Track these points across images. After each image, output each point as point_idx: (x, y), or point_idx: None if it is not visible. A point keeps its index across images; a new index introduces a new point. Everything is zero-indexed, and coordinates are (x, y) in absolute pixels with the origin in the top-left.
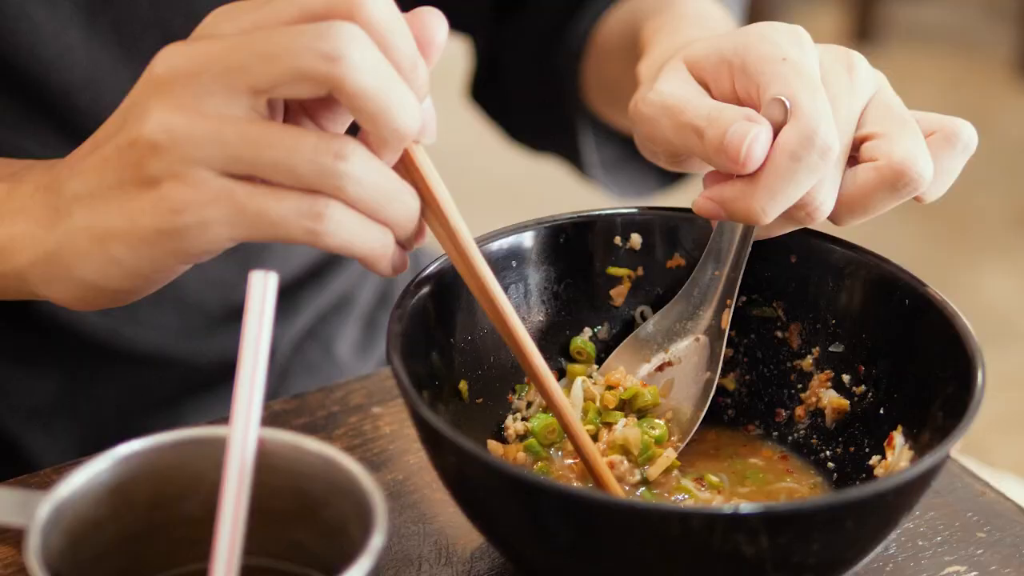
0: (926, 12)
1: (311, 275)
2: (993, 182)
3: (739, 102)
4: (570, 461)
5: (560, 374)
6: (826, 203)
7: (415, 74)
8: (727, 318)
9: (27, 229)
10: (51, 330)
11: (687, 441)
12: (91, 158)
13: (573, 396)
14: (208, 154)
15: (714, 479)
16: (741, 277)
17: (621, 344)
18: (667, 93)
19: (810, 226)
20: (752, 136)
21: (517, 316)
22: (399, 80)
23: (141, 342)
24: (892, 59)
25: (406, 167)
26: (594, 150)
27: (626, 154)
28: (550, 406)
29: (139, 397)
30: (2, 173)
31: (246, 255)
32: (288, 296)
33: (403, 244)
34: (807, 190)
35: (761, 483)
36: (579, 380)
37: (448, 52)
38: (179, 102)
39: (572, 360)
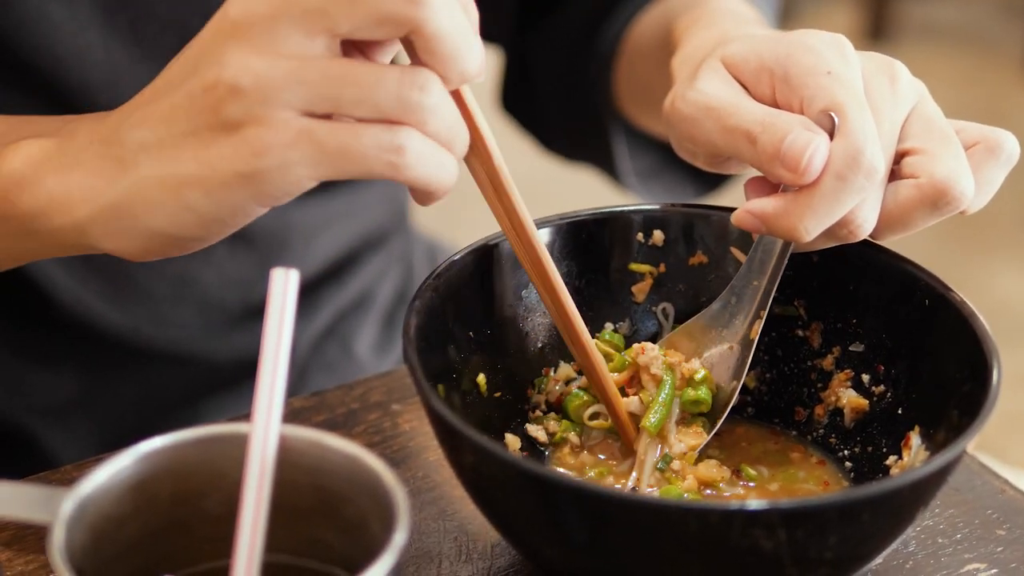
0: (939, 10)
1: (331, 273)
2: (1006, 181)
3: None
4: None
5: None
6: (868, 221)
7: (472, 15)
8: (757, 328)
9: (86, 181)
10: (71, 328)
11: (703, 445)
12: (157, 105)
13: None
14: (290, 95)
15: (752, 471)
16: (775, 289)
17: (656, 346)
18: (710, 94)
19: (851, 242)
20: (813, 147)
21: (550, 256)
22: (468, 24)
23: (161, 340)
24: (905, 57)
25: (459, 108)
26: (628, 158)
27: (662, 162)
28: (580, 357)
29: (158, 395)
30: (45, 129)
31: (266, 254)
32: (308, 295)
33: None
34: (851, 209)
35: (791, 479)
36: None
37: None
38: (257, 45)
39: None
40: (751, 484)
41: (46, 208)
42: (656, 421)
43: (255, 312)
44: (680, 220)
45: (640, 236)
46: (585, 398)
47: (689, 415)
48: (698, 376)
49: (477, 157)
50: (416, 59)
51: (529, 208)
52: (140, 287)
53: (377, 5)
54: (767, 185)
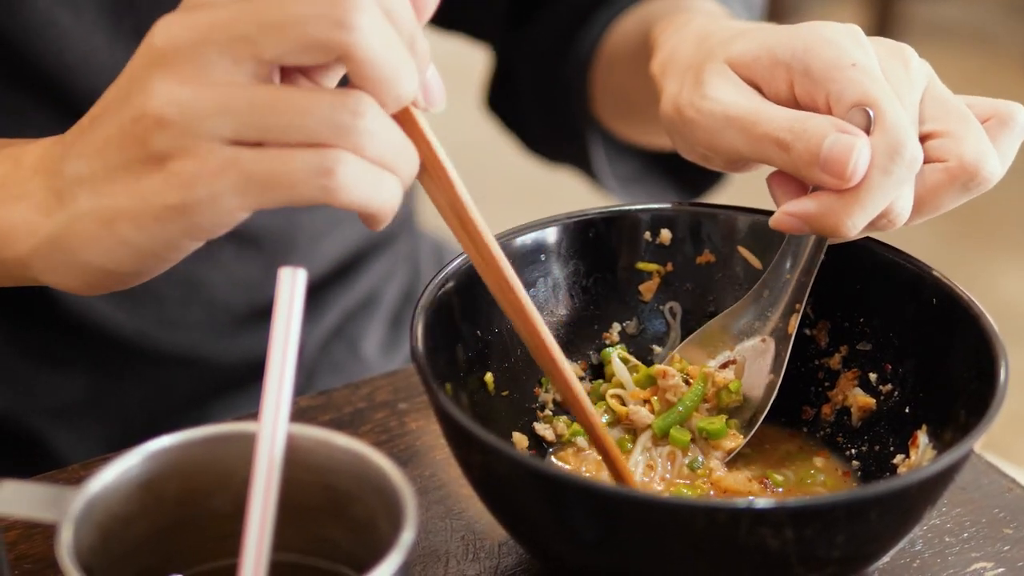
0: (944, 9)
1: (338, 274)
2: (1011, 179)
3: (796, 106)
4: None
5: (595, 371)
6: (906, 209)
7: (415, 42)
8: (795, 323)
9: (27, 215)
10: (79, 330)
11: (748, 439)
12: (91, 137)
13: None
14: (216, 124)
15: (778, 477)
16: (812, 282)
17: (686, 339)
18: (727, 102)
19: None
20: (857, 151)
21: (521, 284)
22: (403, 46)
23: (168, 343)
24: None
25: (409, 131)
26: (606, 163)
27: (643, 168)
28: (557, 384)
29: (166, 396)
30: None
31: (272, 255)
32: (315, 295)
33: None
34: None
35: (804, 476)
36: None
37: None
38: (183, 74)
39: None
40: (779, 490)
41: None
42: (664, 423)
43: (262, 313)
44: (688, 219)
45: (648, 235)
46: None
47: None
48: (732, 386)
49: (432, 179)
50: (352, 82)
51: (536, 208)
52: (148, 289)
53: (303, 31)
54: (795, 185)
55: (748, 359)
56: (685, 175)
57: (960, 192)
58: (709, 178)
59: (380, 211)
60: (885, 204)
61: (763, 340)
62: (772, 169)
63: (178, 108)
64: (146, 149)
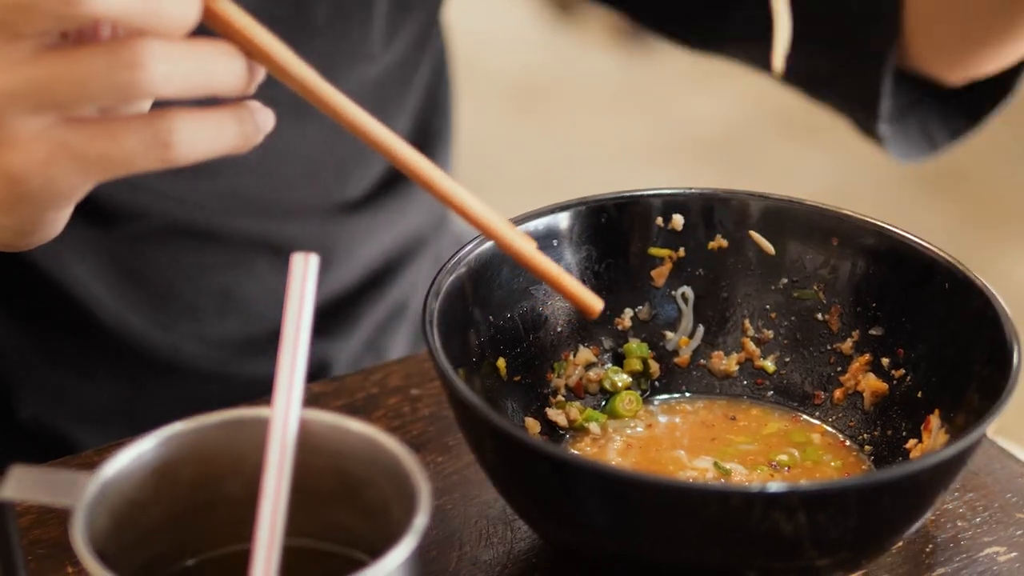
0: None
1: (371, 284)
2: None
3: None
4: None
5: (614, 357)
6: None
7: None
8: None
9: None
10: (111, 344)
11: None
12: None
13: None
14: (12, 110)
15: (783, 458)
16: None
17: None
18: None
19: None
20: None
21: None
22: None
23: (203, 357)
24: None
25: (219, 26)
26: (890, 95)
27: (918, 97)
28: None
29: (195, 408)
30: None
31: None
32: (346, 310)
33: (240, 93)
34: None
35: (817, 461)
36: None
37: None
38: None
39: (623, 341)
40: (786, 469)
41: None
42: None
43: None
44: (699, 204)
45: (659, 220)
46: (625, 396)
47: None
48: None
49: (266, 66)
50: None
51: (547, 194)
52: (184, 302)
53: (43, 7)
54: None
55: None
56: (957, 104)
57: None
58: (983, 104)
59: (237, 149)
60: None
61: None
62: None
63: None
64: None
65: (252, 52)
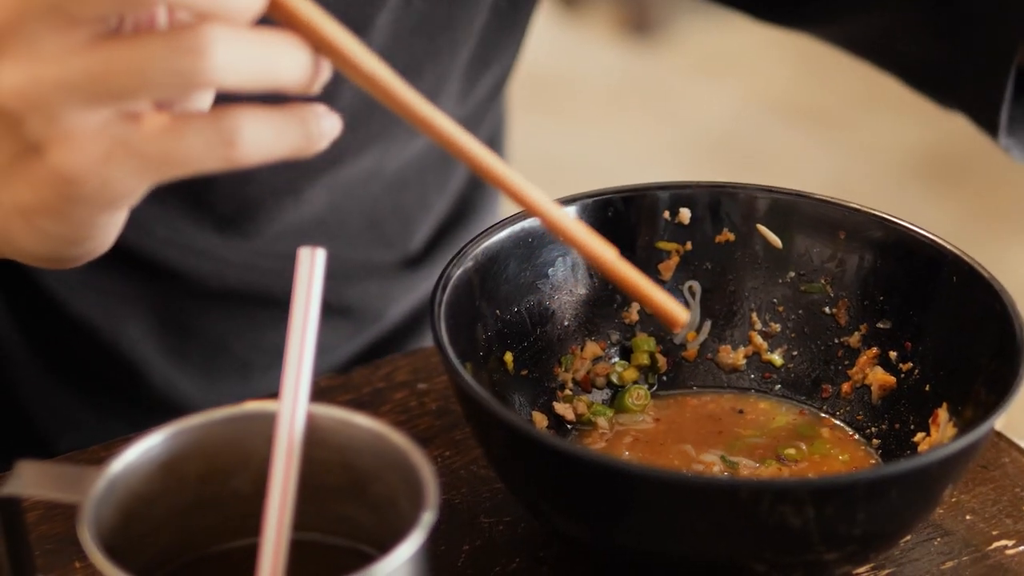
0: None
1: (406, 331)
2: None
3: None
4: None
5: (622, 350)
6: None
7: None
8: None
9: None
10: (161, 402)
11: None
12: None
13: None
14: (68, 102)
15: (791, 451)
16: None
17: None
18: None
19: None
20: None
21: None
22: None
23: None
24: None
25: (283, 16)
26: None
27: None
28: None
29: None
30: None
31: (360, 322)
32: (381, 354)
33: (304, 89)
34: None
35: (824, 455)
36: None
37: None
38: (15, 55)
39: (630, 334)
40: (793, 463)
41: None
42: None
43: (324, 356)
44: (706, 198)
45: (666, 214)
46: (633, 390)
47: None
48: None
49: (336, 63)
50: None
51: (553, 188)
52: (236, 358)
53: None
54: None
55: None
56: None
57: None
58: None
59: (297, 151)
60: None
61: None
62: None
63: (19, 95)
64: (20, 141)
65: (319, 46)
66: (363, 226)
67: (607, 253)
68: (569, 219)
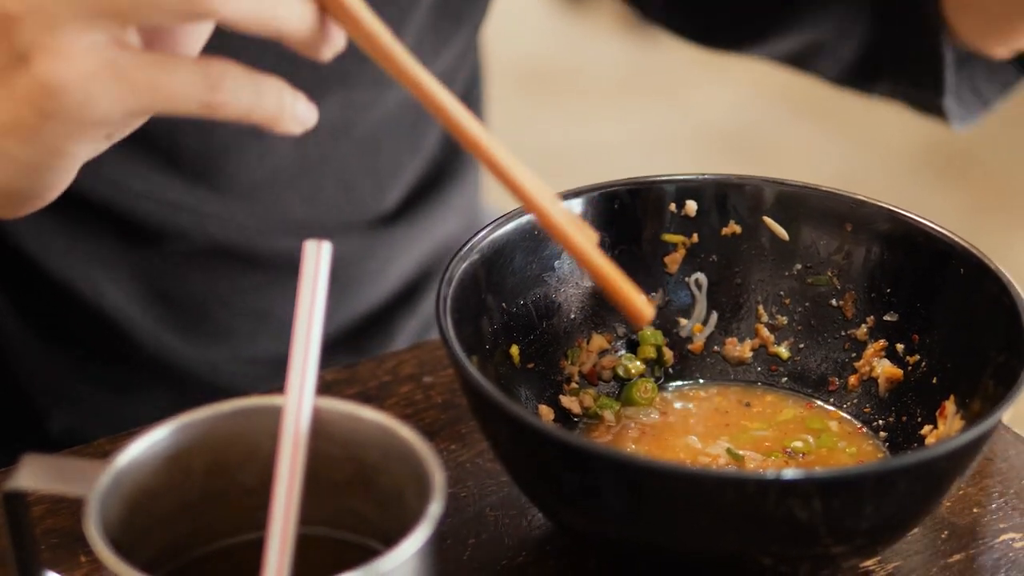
0: None
1: (404, 300)
2: None
3: None
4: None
5: (628, 343)
6: None
7: None
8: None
9: None
10: (149, 365)
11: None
12: None
13: None
14: (70, 13)
15: (798, 444)
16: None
17: None
18: None
19: None
20: None
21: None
22: None
23: (239, 377)
24: None
25: None
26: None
27: (964, 56)
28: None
29: None
30: None
31: (345, 283)
32: (383, 322)
33: (311, 46)
34: None
35: (831, 447)
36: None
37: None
38: None
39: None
40: (800, 456)
41: None
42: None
43: (333, 344)
44: (713, 190)
45: (672, 206)
46: (640, 384)
47: None
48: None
49: (345, 26)
50: None
51: (559, 182)
52: (218, 323)
53: None
54: None
55: None
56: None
57: None
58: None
59: (269, 121)
60: None
61: None
62: None
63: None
64: (9, 51)
65: (330, 7)
66: (336, 187)
67: (577, 236)
68: (535, 185)
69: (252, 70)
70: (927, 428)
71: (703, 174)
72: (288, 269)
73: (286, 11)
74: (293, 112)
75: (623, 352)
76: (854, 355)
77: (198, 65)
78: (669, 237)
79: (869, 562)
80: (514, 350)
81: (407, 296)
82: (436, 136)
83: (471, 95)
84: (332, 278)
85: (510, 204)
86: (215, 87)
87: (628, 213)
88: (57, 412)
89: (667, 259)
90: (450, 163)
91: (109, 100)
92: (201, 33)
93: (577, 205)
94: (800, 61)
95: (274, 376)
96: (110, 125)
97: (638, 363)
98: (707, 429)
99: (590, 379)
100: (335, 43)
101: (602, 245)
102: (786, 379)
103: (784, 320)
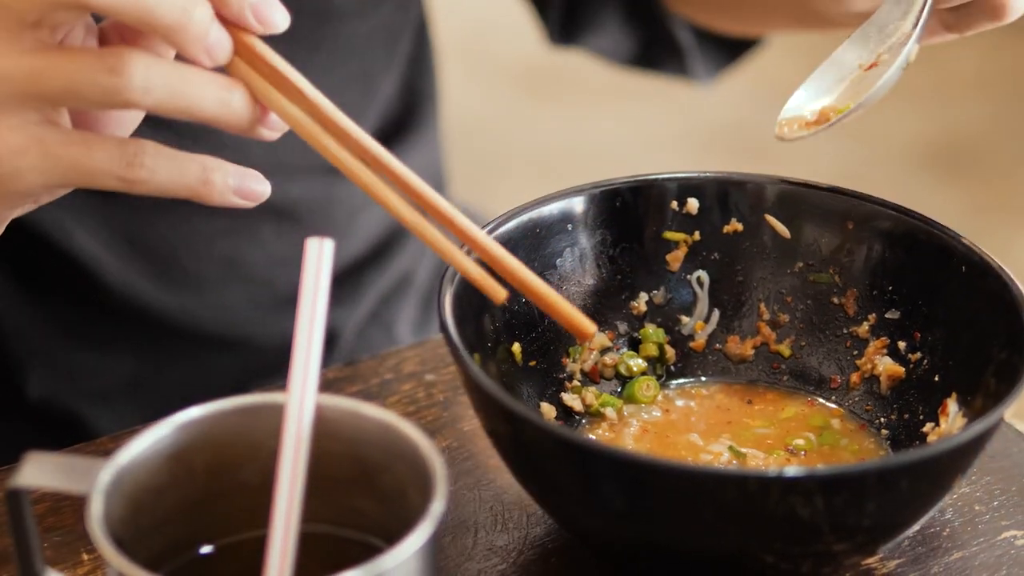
0: None
1: (373, 256)
2: None
3: None
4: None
5: (630, 341)
6: None
7: None
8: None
9: None
10: (121, 311)
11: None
12: None
13: None
14: (5, 92)
15: (800, 441)
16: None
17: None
18: None
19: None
20: None
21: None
22: None
23: (211, 323)
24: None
25: (249, 61)
26: (697, 50)
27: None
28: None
29: (207, 379)
30: None
31: (311, 231)
32: (351, 280)
33: (245, 128)
34: None
35: (833, 445)
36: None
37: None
38: None
39: (639, 325)
40: (802, 453)
41: None
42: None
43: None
44: (715, 188)
45: (674, 204)
46: (642, 381)
47: None
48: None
49: (291, 96)
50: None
51: (560, 179)
52: (187, 270)
53: None
54: None
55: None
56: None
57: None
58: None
59: (195, 195)
60: None
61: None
62: None
63: None
64: None
65: (283, 86)
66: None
67: (512, 263)
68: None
69: (174, 149)
70: (929, 426)
71: (705, 172)
72: (254, 215)
73: (208, 98)
74: (222, 185)
75: (625, 350)
76: (856, 353)
77: (116, 144)
78: (671, 235)
79: (871, 559)
80: (516, 348)
81: (377, 253)
82: (394, 88)
83: (422, 50)
84: (297, 222)
85: (486, 200)
86: (131, 163)
87: (630, 211)
88: (34, 373)
89: (669, 257)
90: (410, 114)
91: (35, 174)
92: (133, 115)
93: (579, 203)
94: (608, 58)
95: (244, 324)
96: (34, 196)
97: (640, 361)
98: (709, 427)
99: (592, 377)
100: (275, 128)
101: (603, 243)
102: (788, 377)
103: (786, 318)
